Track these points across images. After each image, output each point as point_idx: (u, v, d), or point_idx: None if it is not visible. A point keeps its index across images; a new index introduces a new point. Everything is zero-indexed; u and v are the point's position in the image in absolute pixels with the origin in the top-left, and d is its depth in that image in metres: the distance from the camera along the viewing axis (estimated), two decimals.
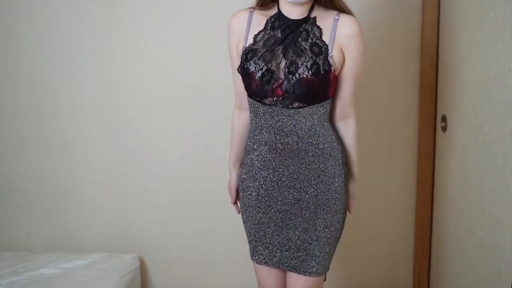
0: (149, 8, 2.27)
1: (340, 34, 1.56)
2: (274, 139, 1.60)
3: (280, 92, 1.55)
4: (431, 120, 2.26)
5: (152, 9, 2.27)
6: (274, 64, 1.54)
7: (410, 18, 2.23)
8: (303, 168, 1.61)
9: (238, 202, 1.78)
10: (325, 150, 1.61)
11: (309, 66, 1.51)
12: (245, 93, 1.65)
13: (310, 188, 1.61)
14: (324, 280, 1.71)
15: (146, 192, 2.41)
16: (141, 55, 2.31)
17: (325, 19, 1.58)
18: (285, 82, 1.53)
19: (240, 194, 1.73)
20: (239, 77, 1.64)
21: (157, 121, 2.36)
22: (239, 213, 1.77)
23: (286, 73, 1.53)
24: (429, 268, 2.39)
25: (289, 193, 1.63)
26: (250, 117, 1.67)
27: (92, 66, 2.31)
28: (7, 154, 2.40)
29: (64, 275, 2.17)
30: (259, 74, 1.54)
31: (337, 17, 1.58)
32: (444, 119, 2.11)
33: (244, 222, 1.74)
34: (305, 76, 1.51)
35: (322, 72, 1.52)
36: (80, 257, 2.32)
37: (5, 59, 2.33)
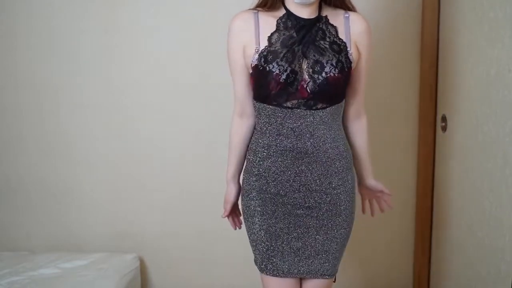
0: (149, 8, 2.27)
1: (354, 31, 1.57)
2: (294, 144, 1.55)
3: (305, 94, 1.51)
4: (431, 120, 2.26)
5: (152, 9, 2.27)
6: (297, 64, 1.50)
7: (410, 18, 2.23)
8: (322, 170, 1.57)
9: (231, 218, 1.76)
10: (341, 152, 1.59)
11: (334, 64, 1.50)
12: (248, 98, 1.61)
13: (330, 190, 1.58)
14: (334, 281, 1.70)
15: (146, 192, 2.41)
16: (141, 55, 2.31)
17: (336, 18, 1.57)
18: (310, 83, 1.49)
19: (252, 202, 1.63)
20: (241, 80, 1.60)
21: (157, 121, 2.36)
22: (235, 228, 1.76)
23: (310, 73, 1.49)
24: (429, 268, 2.39)
25: (310, 197, 1.58)
26: (260, 123, 1.59)
27: (92, 66, 2.31)
28: (7, 154, 2.40)
29: (64, 275, 2.17)
30: (284, 76, 1.49)
31: (347, 15, 1.58)
32: (444, 119, 2.11)
33: (253, 233, 1.63)
34: (332, 74, 1.49)
35: (346, 69, 1.52)
36: (80, 257, 2.32)
37: (5, 59, 2.32)
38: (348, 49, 1.54)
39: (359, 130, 1.71)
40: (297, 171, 1.57)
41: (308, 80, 1.50)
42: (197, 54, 2.30)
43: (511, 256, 1.54)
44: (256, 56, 1.52)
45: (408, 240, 2.42)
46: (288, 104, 1.53)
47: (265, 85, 1.52)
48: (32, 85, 2.34)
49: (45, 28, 2.29)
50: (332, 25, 1.56)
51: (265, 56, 1.51)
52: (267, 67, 1.50)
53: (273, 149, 1.57)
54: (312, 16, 1.55)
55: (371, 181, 1.75)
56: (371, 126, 2.27)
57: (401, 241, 2.43)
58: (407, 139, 2.34)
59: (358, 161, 1.73)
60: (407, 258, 2.44)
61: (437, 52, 2.20)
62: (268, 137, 1.58)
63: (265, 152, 1.59)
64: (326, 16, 1.56)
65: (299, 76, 1.50)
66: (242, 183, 1.67)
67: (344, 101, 1.62)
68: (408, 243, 2.42)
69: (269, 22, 1.55)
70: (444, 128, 2.11)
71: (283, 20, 1.55)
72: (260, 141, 1.60)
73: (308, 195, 1.58)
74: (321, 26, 1.55)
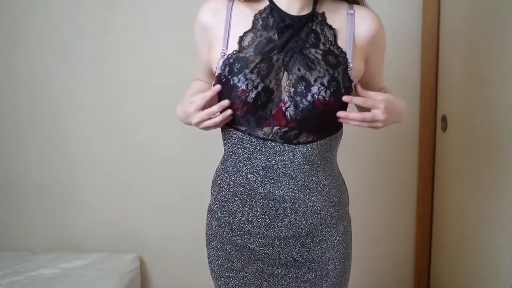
0: (149, 8, 2.26)
1: (360, 35, 1.18)
2: (266, 189, 1.17)
3: (282, 121, 1.12)
4: (431, 120, 2.26)
5: (152, 9, 2.26)
6: (273, 80, 1.11)
7: (411, 19, 2.23)
8: (304, 222, 1.21)
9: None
10: (333, 201, 1.23)
11: (325, 83, 1.10)
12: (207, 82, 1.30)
13: (313, 245, 1.24)
14: None
15: (146, 192, 2.41)
16: (141, 55, 2.30)
17: (336, 15, 1.18)
18: (291, 107, 1.10)
19: (213, 253, 1.30)
20: (203, 76, 1.33)
21: (157, 121, 2.36)
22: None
23: (292, 93, 1.10)
24: (429, 268, 2.39)
25: (287, 253, 1.24)
26: (226, 151, 1.25)
27: (91, 66, 2.31)
28: (7, 154, 2.40)
29: (64, 275, 2.17)
30: (252, 95, 1.10)
31: (351, 11, 1.19)
32: (444, 119, 2.11)
33: None
34: (321, 97, 1.09)
35: (343, 90, 1.12)
36: (80, 257, 2.32)
37: (4, 59, 2.32)
38: (348, 61, 1.14)
39: None
40: (270, 223, 1.20)
41: (288, 102, 1.11)
42: None
43: (511, 256, 1.54)
44: (221, 62, 1.15)
45: (408, 240, 2.42)
46: (259, 133, 1.15)
47: (231, 104, 1.14)
48: (31, 85, 2.34)
49: (44, 28, 2.29)
50: (329, 26, 1.16)
51: (231, 65, 1.12)
52: (231, 80, 1.11)
53: (239, 191, 1.20)
54: (304, 13, 1.15)
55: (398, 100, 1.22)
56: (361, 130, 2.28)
57: (401, 241, 2.43)
58: (407, 139, 2.34)
59: None
60: (407, 258, 2.44)
61: (438, 53, 2.20)
62: (234, 174, 1.21)
63: (230, 192, 1.22)
64: (323, 14, 1.17)
65: (275, 96, 1.11)
66: (206, 224, 1.34)
67: (341, 131, 1.23)
68: (408, 243, 2.42)
69: (244, 17, 1.17)
70: (444, 128, 2.11)
71: (263, 15, 1.16)
72: (225, 175, 1.24)
73: (284, 250, 1.23)
74: (314, 27, 1.15)
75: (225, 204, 1.24)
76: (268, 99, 1.11)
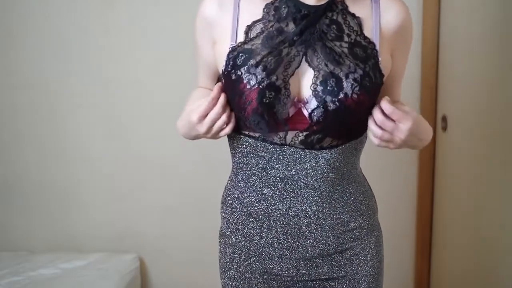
0: (148, 7, 2.26)
1: (387, 24, 1.03)
2: (286, 205, 1.05)
3: (302, 124, 0.99)
4: (431, 120, 2.26)
5: (152, 8, 2.26)
6: (280, 77, 0.97)
7: (411, 20, 2.23)
8: (331, 237, 1.09)
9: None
10: (359, 208, 1.12)
11: (359, 79, 0.96)
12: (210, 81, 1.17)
13: (342, 261, 1.11)
14: None
15: (146, 192, 2.41)
16: (141, 55, 2.30)
17: (359, 3, 1.03)
18: (319, 108, 0.97)
19: (231, 284, 1.21)
20: (206, 79, 1.21)
21: (157, 121, 2.35)
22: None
23: (320, 92, 0.96)
24: (429, 268, 2.39)
25: (315, 272, 1.11)
26: (235, 164, 1.12)
27: (91, 66, 2.31)
28: (6, 155, 2.40)
29: (64, 276, 2.16)
30: (255, 93, 0.97)
31: None
32: (444, 119, 2.11)
33: None
34: (355, 96, 0.96)
35: (375, 87, 1.00)
36: (79, 257, 2.31)
37: (3, 59, 2.32)
38: (378, 53, 1.01)
39: None
40: (293, 243, 1.08)
41: (315, 103, 0.97)
42: None
43: (511, 257, 1.54)
44: (225, 56, 1.02)
45: (408, 240, 2.42)
46: (275, 138, 1.01)
47: (236, 103, 1.01)
48: (30, 85, 2.34)
49: (44, 28, 2.29)
50: (353, 15, 1.01)
51: (235, 58, 1.00)
52: (233, 74, 0.99)
53: (255, 210, 1.08)
54: (323, 2, 1.01)
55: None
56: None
57: (401, 241, 2.43)
58: None
59: None
60: (407, 258, 2.44)
61: (438, 53, 2.20)
62: (247, 189, 1.08)
63: (243, 212, 1.10)
64: (343, 1, 1.02)
65: (283, 95, 0.97)
66: (219, 251, 1.24)
67: (366, 132, 1.08)
68: (408, 243, 2.42)
69: (254, 7, 1.03)
70: (444, 128, 2.11)
71: (276, 4, 1.02)
72: (236, 192, 1.12)
73: (311, 271, 1.11)
74: (335, 17, 1.00)
75: (240, 227, 1.12)
76: (274, 98, 0.96)
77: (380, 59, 1.00)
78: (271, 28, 1.00)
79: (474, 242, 1.82)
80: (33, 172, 2.41)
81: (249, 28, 1.01)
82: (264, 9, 1.02)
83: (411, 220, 2.40)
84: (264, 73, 0.96)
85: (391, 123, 0.98)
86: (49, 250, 2.43)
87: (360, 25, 1.01)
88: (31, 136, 2.38)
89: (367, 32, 1.01)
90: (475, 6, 1.80)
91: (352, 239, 1.11)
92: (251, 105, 0.98)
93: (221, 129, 1.02)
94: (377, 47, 1.01)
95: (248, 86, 0.97)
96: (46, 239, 2.46)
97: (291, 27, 0.99)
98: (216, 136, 1.05)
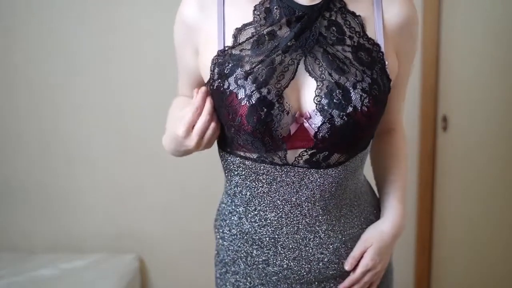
0: (148, 7, 2.26)
1: (391, 22, 0.91)
2: (291, 226, 0.95)
3: (306, 142, 0.88)
4: (431, 120, 2.26)
5: (152, 8, 2.26)
6: (273, 90, 0.84)
7: None
8: (344, 256, 1.01)
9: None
10: (368, 218, 1.05)
11: (367, 88, 0.85)
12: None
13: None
14: None
15: (146, 192, 2.40)
16: (141, 55, 2.30)
17: (359, 0, 0.91)
18: (325, 124, 0.85)
19: None
20: (187, 85, 1.05)
21: (157, 122, 2.34)
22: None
23: (325, 105, 0.84)
24: (429, 268, 2.39)
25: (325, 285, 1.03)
26: (231, 186, 1.02)
27: (91, 66, 2.30)
28: (6, 155, 2.39)
29: (64, 276, 2.16)
30: (245, 108, 0.85)
31: None
32: (444, 119, 2.11)
33: None
34: (365, 109, 0.84)
35: (384, 95, 0.89)
36: (79, 257, 2.31)
37: (2, 59, 2.32)
38: (384, 56, 0.89)
39: (386, 149, 1.07)
40: (303, 266, 1.00)
41: (319, 118, 0.85)
42: None
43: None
44: (210, 64, 0.90)
45: (409, 240, 2.41)
46: (275, 158, 0.89)
47: (224, 118, 0.89)
48: (30, 86, 2.33)
49: (44, 28, 2.29)
50: (353, 13, 0.89)
51: (221, 65, 0.87)
52: (222, 84, 0.86)
53: (259, 237, 0.97)
54: (317, 1, 0.88)
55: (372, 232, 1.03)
56: None
57: (401, 241, 2.41)
58: (408, 139, 2.32)
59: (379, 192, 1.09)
60: (407, 258, 2.43)
61: (438, 53, 2.20)
62: (247, 215, 0.98)
63: (244, 240, 1.00)
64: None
65: (276, 110, 0.84)
66: (217, 278, 1.10)
67: (371, 141, 1.01)
68: (409, 243, 2.42)
69: (242, 9, 0.90)
70: (444, 128, 2.11)
71: (266, 5, 0.89)
72: (234, 218, 1.01)
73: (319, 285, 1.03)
74: (333, 17, 0.88)
75: (242, 255, 1.01)
76: (266, 114, 0.83)
77: (387, 62, 0.89)
78: (261, 32, 0.87)
79: (475, 241, 1.82)
80: (33, 172, 2.41)
81: (238, 31, 0.88)
82: (254, 11, 0.88)
83: (411, 220, 2.40)
84: (254, 85, 0.83)
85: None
86: (49, 250, 2.42)
87: (362, 25, 0.88)
88: (32, 136, 2.38)
89: (370, 32, 0.89)
90: (475, 6, 1.80)
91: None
92: (241, 123, 0.85)
93: (213, 135, 0.90)
94: (383, 49, 0.89)
95: (236, 101, 0.84)
96: (46, 239, 2.45)
97: (285, 30, 0.87)
98: (209, 146, 0.94)
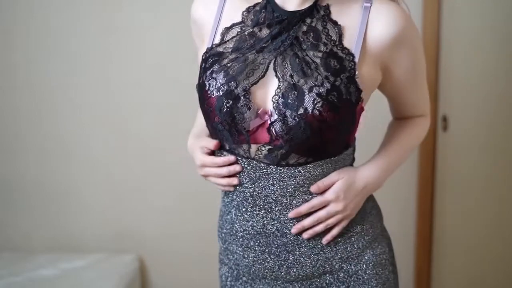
0: (148, 7, 2.26)
1: (373, 35, 0.92)
2: (256, 222, 0.98)
3: (266, 137, 0.92)
4: (432, 119, 2.25)
5: (152, 8, 2.26)
6: (241, 85, 0.90)
7: (411, 18, 2.23)
8: (314, 259, 1.00)
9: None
10: (351, 226, 1.02)
11: (323, 93, 0.87)
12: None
13: (332, 280, 1.03)
14: None
15: (146, 192, 2.40)
16: (140, 55, 2.30)
17: (347, 9, 0.93)
18: (277, 121, 0.89)
19: None
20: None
21: (157, 122, 2.35)
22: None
23: (280, 104, 0.89)
24: (429, 268, 2.39)
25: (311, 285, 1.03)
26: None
27: (91, 66, 2.31)
28: (5, 155, 2.40)
29: (64, 276, 2.16)
30: (214, 99, 0.92)
31: (367, 4, 0.93)
32: (444, 119, 2.11)
33: None
34: (316, 112, 0.87)
35: (345, 104, 0.89)
36: (79, 257, 2.31)
37: (3, 59, 2.32)
38: (354, 66, 0.90)
39: (401, 123, 1.12)
40: (275, 264, 1.01)
41: (275, 116, 0.90)
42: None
43: None
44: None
45: (409, 240, 2.41)
46: (240, 150, 0.95)
47: (204, 111, 0.99)
48: (30, 86, 2.33)
49: (44, 28, 2.29)
50: (334, 22, 0.92)
51: (205, 60, 0.97)
52: (200, 78, 0.98)
53: (235, 228, 1.03)
54: (304, 7, 0.92)
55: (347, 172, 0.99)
56: (371, 126, 2.27)
57: (401, 240, 2.42)
58: None
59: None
60: (407, 258, 2.43)
61: (438, 52, 2.20)
62: (225, 207, 1.06)
63: (227, 231, 1.06)
64: (327, 6, 0.93)
65: (242, 104, 0.90)
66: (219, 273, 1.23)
67: (351, 150, 1.03)
68: (409, 243, 2.42)
69: (236, 10, 0.98)
70: (445, 128, 2.12)
71: (256, 9, 0.95)
72: (220, 212, 1.11)
73: (304, 284, 1.03)
74: (314, 24, 0.92)
75: (228, 246, 1.09)
76: (232, 106, 0.90)
77: (357, 72, 0.90)
78: (245, 33, 0.94)
79: (475, 241, 1.82)
80: (33, 172, 2.41)
81: (226, 30, 0.97)
82: (243, 12, 0.96)
83: (411, 220, 2.40)
84: (225, 79, 0.91)
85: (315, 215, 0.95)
86: (49, 250, 2.42)
87: (339, 34, 0.91)
88: (32, 136, 2.38)
89: (348, 42, 0.91)
90: (476, 5, 1.80)
91: (341, 259, 1.01)
92: (212, 113, 0.93)
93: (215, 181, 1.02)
94: (356, 59, 0.90)
95: (208, 93, 0.93)
96: (46, 239, 2.45)
97: (265, 32, 0.93)
98: None
